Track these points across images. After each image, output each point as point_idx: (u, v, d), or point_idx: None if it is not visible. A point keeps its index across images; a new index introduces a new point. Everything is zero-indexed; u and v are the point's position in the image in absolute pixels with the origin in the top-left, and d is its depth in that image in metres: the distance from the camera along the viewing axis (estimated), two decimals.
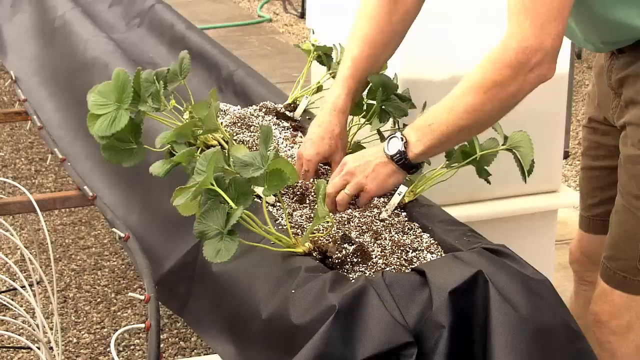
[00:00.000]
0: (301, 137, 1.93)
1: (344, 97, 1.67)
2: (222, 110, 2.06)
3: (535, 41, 1.37)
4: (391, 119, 1.86)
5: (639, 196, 1.56)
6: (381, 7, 1.67)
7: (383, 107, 1.77)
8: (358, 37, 1.69)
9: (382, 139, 1.82)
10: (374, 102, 1.79)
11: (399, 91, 1.84)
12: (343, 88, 1.67)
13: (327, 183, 1.40)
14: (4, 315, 2.54)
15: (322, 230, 1.47)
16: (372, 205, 1.59)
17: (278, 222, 1.52)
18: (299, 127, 2.00)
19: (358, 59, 1.68)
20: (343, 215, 1.55)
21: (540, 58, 1.38)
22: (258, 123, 1.96)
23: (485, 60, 1.42)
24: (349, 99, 1.67)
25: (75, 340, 2.58)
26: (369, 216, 1.55)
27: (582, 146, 1.86)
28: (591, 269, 1.90)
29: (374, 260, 1.41)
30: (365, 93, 1.82)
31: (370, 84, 1.78)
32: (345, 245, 1.44)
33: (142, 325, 1.53)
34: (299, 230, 1.50)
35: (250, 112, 2.04)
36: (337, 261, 1.40)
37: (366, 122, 1.81)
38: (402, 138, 1.48)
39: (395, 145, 1.48)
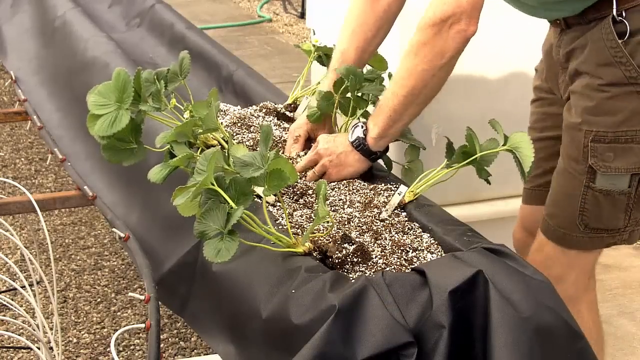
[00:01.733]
0: None
1: (331, 81, 1.82)
2: (222, 111, 2.06)
3: (453, 0, 1.52)
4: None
5: (579, 160, 1.65)
6: (364, 5, 1.83)
7: (358, 94, 1.79)
8: (346, 32, 1.85)
9: None
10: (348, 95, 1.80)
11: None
12: (331, 78, 1.83)
13: (325, 183, 1.40)
14: (4, 315, 2.54)
15: (322, 230, 1.47)
16: (372, 205, 1.59)
17: (278, 222, 1.52)
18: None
19: (346, 51, 1.84)
20: (343, 215, 1.55)
21: (459, 14, 1.52)
22: (258, 123, 1.96)
23: (417, 26, 1.57)
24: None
25: (75, 340, 2.58)
26: (369, 216, 1.55)
27: (530, 121, 1.93)
28: (531, 243, 1.97)
29: (374, 260, 1.41)
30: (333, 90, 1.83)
31: (337, 79, 1.79)
32: (345, 245, 1.44)
33: (142, 325, 1.53)
34: (299, 230, 1.50)
35: (250, 113, 2.04)
36: (337, 261, 1.40)
37: (350, 117, 1.81)
38: (362, 126, 1.66)
39: (356, 133, 1.66)
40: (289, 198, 1.64)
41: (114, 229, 1.98)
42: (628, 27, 1.56)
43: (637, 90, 1.57)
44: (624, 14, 1.56)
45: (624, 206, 1.65)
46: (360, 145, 1.65)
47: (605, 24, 1.58)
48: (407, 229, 1.52)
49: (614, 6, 1.56)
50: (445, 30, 1.53)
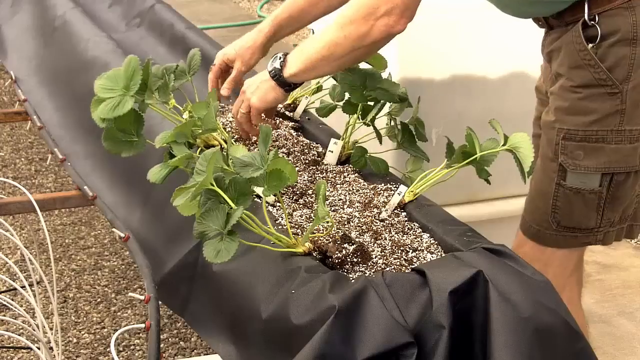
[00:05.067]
0: (302, 137, 1.93)
1: (269, 23, 1.91)
2: (220, 111, 2.06)
3: None
4: (386, 117, 1.86)
5: (552, 159, 1.68)
6: None
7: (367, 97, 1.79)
8: None
9: (379, 136, 1.82)
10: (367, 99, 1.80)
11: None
12: (270, 19, 1.92)
13: (325, 183, 1.40)
14: (4, 315, 2.54)
15: (322, 230, 1.47)
16: (372, 205, 1.59)
17: (278, 222, 1.52)
18: (299, 127, 2.00)
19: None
20: (343, 215, 1.55)
21: (390, 8, 1.56)
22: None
23: (349, 3, 1.63)
24: (273, 27, 1.91)
25: (75, 340, 2.58)
26: (369, 216, 1.55)
27: (534, 115, 1.94)
28: None
29: (374, 260, 1.41)
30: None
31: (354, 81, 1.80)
32: (345, 245, 1.44)
33: (142, 325, 1.53)
34: (299, 230, 1.50)
35: None
36: (337, 261, 1.40)
37: (360, 120, 1.82)
38: (281, 57, 1.71)
39: (274, 63, 1.72)
40: (289, 198, 1.64)
41: (114, 229, 1.98)
42: (599, 31, 1.58)
43: (608, 92, 1.59)
44: (596, 19, 1.59)
45: (595, 205, 1.67)
46: (276, 75, 1.70)
47: (575, 28, 1.61)
48: (407, 229, 1.52)
49: (586, 10, 1.59)
50: (373, 19, 1.57)
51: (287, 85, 1.72)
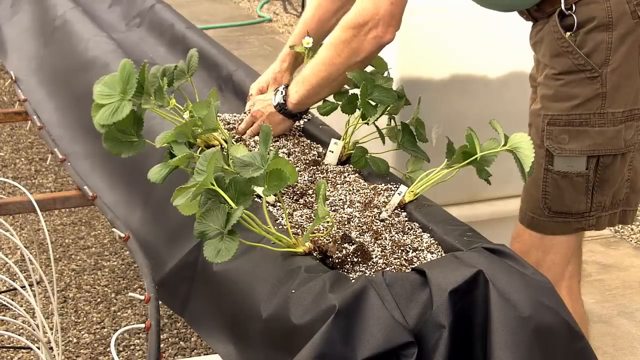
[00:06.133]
0: (302, 137, 1.93)
1: (288, 50, 2.06)
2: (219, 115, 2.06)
3: (372, 6, 1.67)
4: (386, 116, 1.86)
5: (540, 145, 1.72)
6: None
7: (368, 100, 1.79)
8: (312, 2, 2.05)
9: (381, 136, 1.82)
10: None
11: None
12: (287, 52, 2.07)
13: (325, 183, 1.41)
14: (4, 315, 2.54)
15: (322, 230, 1.47)
16: (372, 205, 1.59)
17: (278, 222, 1.52)
18: (299, 127, 2.00)
19: (308, 21, 2.04)
20: (343, 215, 1.55)
21: (376, 21, 1.67)
22: None
23: (340, 23, 1.74)
24: (290, 54, 2.07)
25: (75, 340, 2.58)
26: (369, 216, 1.55)
27: (529, 104, 1.97)
28: None
29: (374, 260, 1.41)
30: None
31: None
32: (345, 245, 1.44)
33: (142, 325, 1.53)
34: (299, 230, 1.50)
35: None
36: (337, 261, 1.40)
37: (360, 120, 1.81)
38: (282, 92, 1.84)
39: (277, 98, 1.85)
40: (289, 198, 1.64)
41: (114, 229, 1.98)
42: (576, 20, 1.64)
43: (588, 77, 1.65)
44: (573, 8, 1.64)
45: (584, 189, 1.70)
46: (282, 110, 1.84)
47: (553, 18, 1.67)
48: (407, 229, 1.52)
49: (562, 0, 1.65)
50: (362, 34, 1.68)
51: (294, 115, 1.86)
